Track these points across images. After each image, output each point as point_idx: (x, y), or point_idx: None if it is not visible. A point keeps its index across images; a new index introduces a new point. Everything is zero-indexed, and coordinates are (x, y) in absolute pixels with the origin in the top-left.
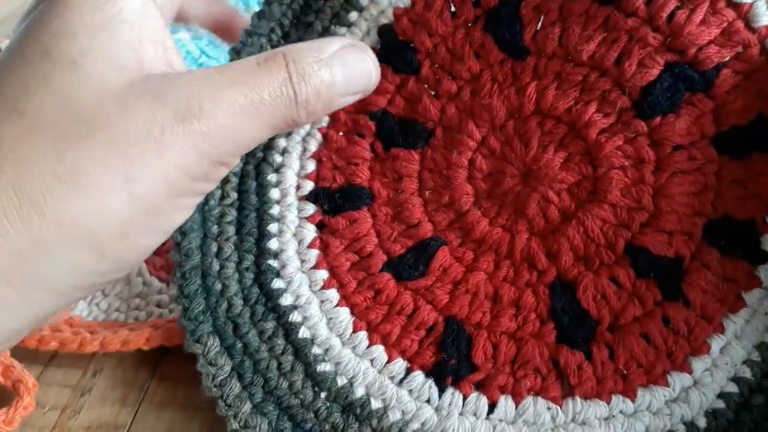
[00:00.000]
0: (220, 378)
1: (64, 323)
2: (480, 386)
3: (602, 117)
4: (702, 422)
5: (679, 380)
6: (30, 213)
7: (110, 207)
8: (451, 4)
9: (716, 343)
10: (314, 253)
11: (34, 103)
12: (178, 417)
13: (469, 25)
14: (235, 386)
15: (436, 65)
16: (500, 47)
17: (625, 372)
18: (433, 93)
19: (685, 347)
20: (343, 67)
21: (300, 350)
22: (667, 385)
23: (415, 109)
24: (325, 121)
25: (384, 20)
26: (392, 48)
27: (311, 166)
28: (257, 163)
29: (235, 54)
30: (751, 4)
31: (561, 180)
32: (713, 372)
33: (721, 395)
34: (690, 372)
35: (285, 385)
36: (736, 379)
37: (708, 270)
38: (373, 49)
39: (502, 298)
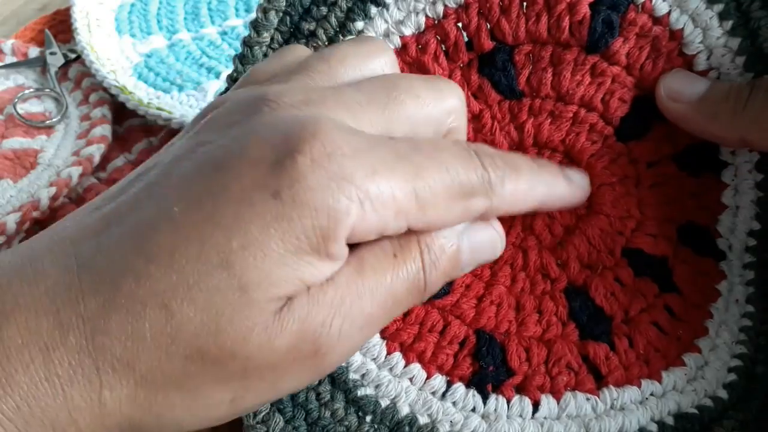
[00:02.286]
0: (262, 414)
1: None
2: (520, 389)
3: (591, 144)
4: (724, 394)
5: (693, 360)
6: (138, 407)
7: (212, 417)
8: (443, 47)
9: (711, 326)
10: None
11: (188, 311)
12: None
13: (463, 67)
14: (279, 421)
15: None
16: (497, 90)
17: (647, 357)
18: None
19: (689, 330)
20: (471, 245)
21: (337, 378)
22: (684, 365)
23: None
24: None
25: None
26: None
27: None
28: None
29: (240, 63)
30: (695, 55)
31: None
32: (716, 351)
33: (730, 369)
34: (699, 351)
35: (327, 414)
36: (736, 356)
37: (688, 266)
38: None
39: (524, 306)
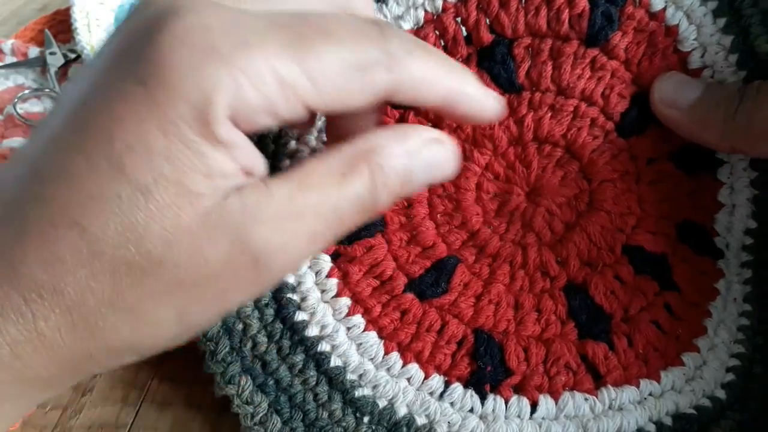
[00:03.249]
0: (260, 415)
1: None
2: (518, 389)
3: (592, 139)
4: (722, 394)
5: (691, 359)
6: (83, 334)
7: (162, 336)
8: (442, 41)
9: (710, 325)
10: (334, 282)
11: (99, 223)
12: (179, 416)
13: (462, 60)
14: (277, 422)
15: None
16: (496, 83)
17: (645, 356)
18: (433, 126)
19: (688, 330)
20: (425, 164)
21: (334, 379)
22: (682, 364)
23: None
24: None
25: None
26: None
27: None
28: None
29: None
30: (689, 52)
31: (562, 194)
32: (715, 350)
33: (728, 369)
34: (698, 351)
35: (325, 415)
36: (735, 355)
37: (687, 264)
38: None
39: (523, 305)
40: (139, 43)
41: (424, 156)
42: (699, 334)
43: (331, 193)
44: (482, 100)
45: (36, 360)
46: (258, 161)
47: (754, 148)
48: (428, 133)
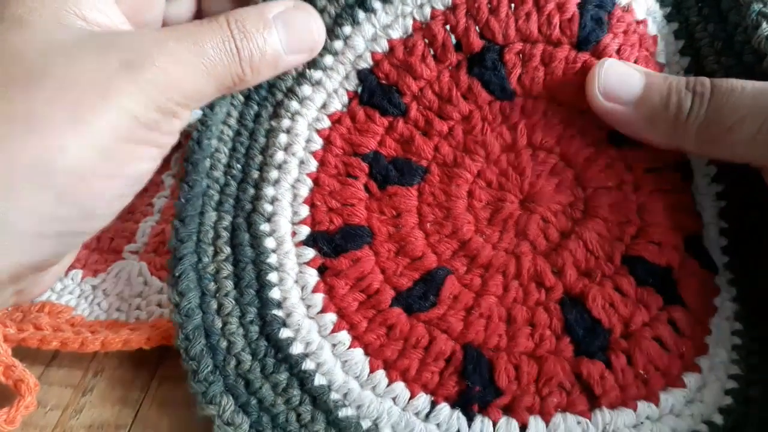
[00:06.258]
0: None
1: (65, 323)
2: (508, 410)
3: (585, 147)
4: (719, 419)
5: (693, 380)
6: None
7: (62, 147)
8: (431, 49)
9: (711, 343)
10: (319, 297)
11: None
12: (179, 417)
13: (451, 68)
14: None
15: (424, 107)
16: (488, 90)
17: (645, 376)
18: (423, 133)
19: (691, 348)
20: (286, 25)
21: (318, 398)
22: (684, 386)
23: (407, 149)
24: (313, 166)
25: (363, 64)
26: (376, 92)
27: (304, 212)
28: (247, 215)
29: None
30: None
31: (557, 201)
32: (714, 370)
33: (726, 392)
34: (699, 371)
35: None
36: (732, 376)
37: (694, 278)
38: (354, 92)
39: (515, 318)
40: None
41: (283, 15)
42: (701, 352)
43: (190, 34)
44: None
45: None
46: (124, 23)
47: (705, 150)
48: (286, 2)
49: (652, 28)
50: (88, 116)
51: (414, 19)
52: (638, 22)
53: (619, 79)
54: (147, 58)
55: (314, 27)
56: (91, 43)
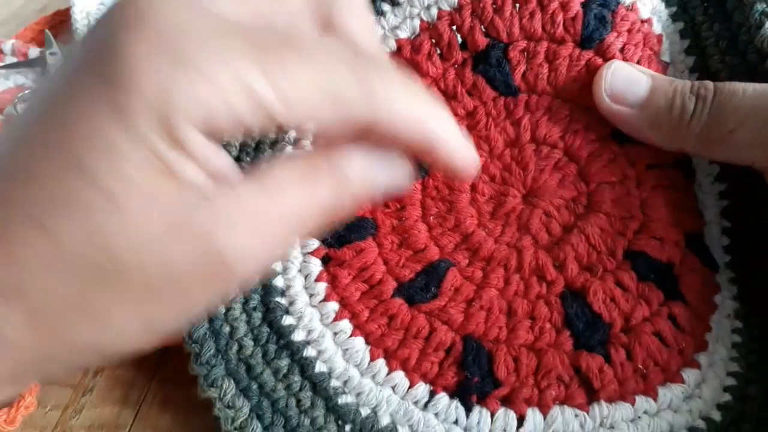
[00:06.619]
0: (240, 420)
1: None
2: (506, 401)
3: (588, 143)
4: (716, 416)
5: (692, 376)
6: (45, 336)
7: (127, 341)
8: (437, 48)
9: (710, 340)
10: (322, 286)
11: (62, 225)
12: (179, 417)
13: (457, 66)
14: (257, 427)
15: None
16: (492, 86)
17: (644, 371)
18: None
19: (691, 344)
20: (381, 176)
21: (318, 385)
22: (682, 381)
23: None
24: None
25: None
26: None
27: None
28: None
29: None
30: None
31: (560, 196)
32: (713, 367)
33: (725, 389)
34: (699, 367)
35: (307, 422)
36: (731, 374)
37: (695, 274)
38: None
39: (516, 311)
40: (106, 41)
41: (386, 166)
42: (700, 349)
43: (294, 197)
44: (460, 154)
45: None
46: (227, 167)
47: (708, 151)
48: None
49: (657, 27)
50: (163, 316)
51: (421, 20)
52: (643, 21)
53: (626, 81)
54: (247, 257)
55: (404, 178)
56: (188, 236)
